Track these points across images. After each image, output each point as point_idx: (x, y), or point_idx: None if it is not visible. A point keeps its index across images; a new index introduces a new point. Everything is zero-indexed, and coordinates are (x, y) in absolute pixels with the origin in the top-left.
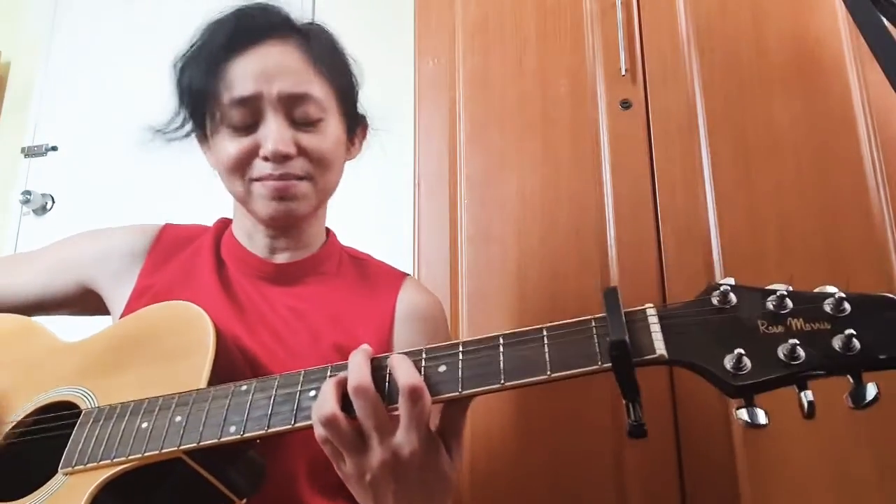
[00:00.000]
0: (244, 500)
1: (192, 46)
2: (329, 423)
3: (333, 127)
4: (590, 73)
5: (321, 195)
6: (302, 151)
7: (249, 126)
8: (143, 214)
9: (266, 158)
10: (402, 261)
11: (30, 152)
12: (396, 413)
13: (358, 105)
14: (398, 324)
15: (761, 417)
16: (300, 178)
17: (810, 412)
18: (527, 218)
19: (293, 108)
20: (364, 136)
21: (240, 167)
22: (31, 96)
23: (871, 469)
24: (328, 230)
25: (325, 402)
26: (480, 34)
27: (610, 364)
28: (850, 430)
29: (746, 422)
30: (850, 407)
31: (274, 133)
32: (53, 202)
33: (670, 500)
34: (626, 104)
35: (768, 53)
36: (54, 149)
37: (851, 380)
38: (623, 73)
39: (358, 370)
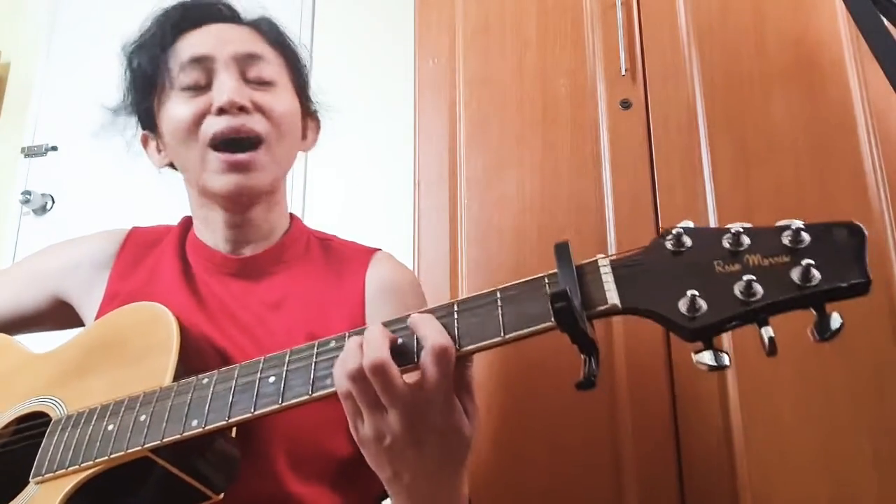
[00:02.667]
0: (221, 495)
1: (141, 35)
2: (354, 377)
3: (288, 95)
4: (590, 72)
5: (277, 167)
6: (258, 108)
7: (201, 87)
8: (142, 214)
9: (221, 110)
10: (402, 261)
11: (30, 152)
12: (411, 376)
13: (311, 98)
14: (369, 301)
15: (723, 360)
16: (257, 136)
17: (772, 349)
18: (527, 218)
19: (246, 67)
20: (318, 131)
21: (192, 128)
22: (31, 96)
23: (871, 466)
24: (292, 216)
25: (351, 357)
26: (481, 34)
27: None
28: (851, 425)
29: (710, 365)
30: (816, 340)
31: (227, 85)
32: (53, 202)
33: (669, 497)
34: (626, 104)
35: (768, 53)
36: (54, 149)
37: (815, 312)
38: (623, 72)
39: (376, 346)
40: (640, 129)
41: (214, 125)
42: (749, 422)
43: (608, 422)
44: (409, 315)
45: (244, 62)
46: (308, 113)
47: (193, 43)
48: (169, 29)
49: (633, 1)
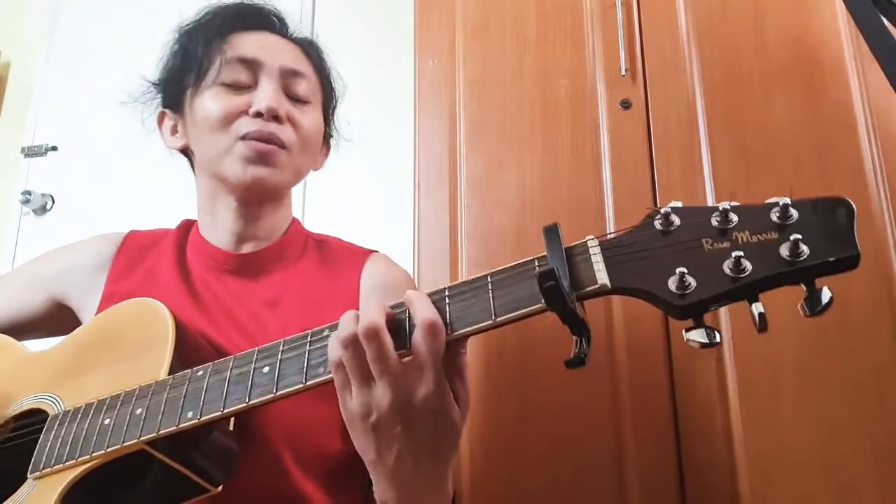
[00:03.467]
0: (219, 488)
1: (197, 19)
2: (347, 343)
3: (317, 116)
4: (590, 73)
5: (293, 173)
6: (290, 120)
7: (244, 87)
8: (142, 214)
9: (258, 114)
10: (402, 261)
11: (30, 152)
12: (406, 359)
13: (333, 125)
14: (363, 299)
15: (715, 337)
16: (283, 145)
17: (762, 325)
18: (527, 218)
19: (289, 82)
20: (327, 154)
21: (226, 121)
22: (31, 96)
23: (871, 466)
24: (293, 218)
25: (347, 325)
26: (481, 34)
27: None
28: (851, 424)
29: (701, 342)
30: (806, 315)
31: (270, 93)
32: (53, 202)
33: (669, 495)
34: (626, 104)
35: (768, 53)
36: (54, 149)
37: (805, 287)
38: (623, 73)
39: (371, 313)
40: (640, 129)
41: (248, 125)
42: (749, 421)
43: (609, 419)
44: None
45: (288, 77)
46: (325, 138)
47: (247, 44)
48: (227, 22)
49: (632, 1)
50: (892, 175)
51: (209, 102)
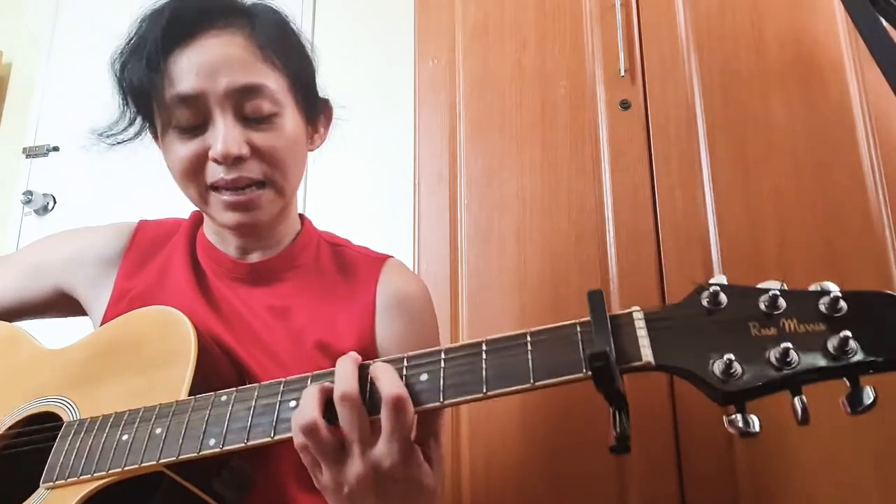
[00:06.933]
0: None
1: (129, 41)
2: (309, 430)
3: (290, 120)
4: (589, 73)
5: (283, 198)
6: (255, 151)
7: (197, 127)
8: (146, 215)
9: (217, 161)
10: (402, 261)
11: (31, 153)
12: (378, 423)
13: (319, 89)
14: (379, 313)
15: (754, 425)
16: (256, 182)
17: (804, 418)
18: (527, 218)
19: (243, 102)
20: (329, 121)
21: (192, 172)
22: (33, 97)
23: (872, 472)
24: (302, 217)
25: (306, 409)
26: (480, 35)
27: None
28: (851, 433)
29: (740, 429)
30: (847, 412)
31: (223, 134)
32: (55, 202)
33: (670, 498)
34: (625, 105)
35: (767, 54)
36: (55, 149)
37: (848, 383)
38: (622, 73)
39: (345, 378)
40: (640, 130)
41: (214, 173)
42: None
43: (609, 421)
44: (371, 362)
45: (240, 97)
46: (314, 117)
47: (184, 71)
48: (158, 41)
49: (632, 2)
50: (891, 175)
51: (172, 150)
